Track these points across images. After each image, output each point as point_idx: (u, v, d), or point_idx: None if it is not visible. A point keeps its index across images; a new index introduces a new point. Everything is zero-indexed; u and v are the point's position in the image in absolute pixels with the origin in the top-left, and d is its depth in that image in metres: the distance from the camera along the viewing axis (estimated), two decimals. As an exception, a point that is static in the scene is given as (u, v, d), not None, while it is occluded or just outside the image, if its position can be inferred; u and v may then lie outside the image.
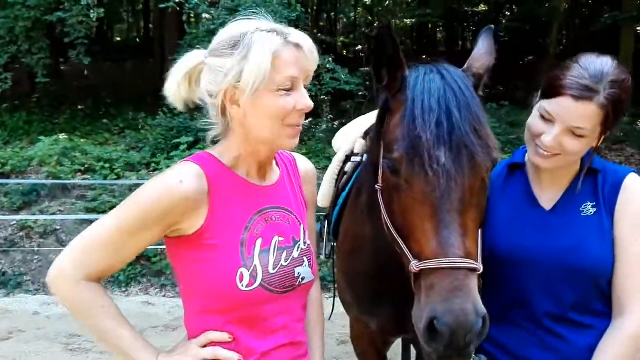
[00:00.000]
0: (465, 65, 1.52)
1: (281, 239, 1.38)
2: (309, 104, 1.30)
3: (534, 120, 1.48)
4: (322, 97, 9.95)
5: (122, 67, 18.35)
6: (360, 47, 16.27)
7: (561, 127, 1.39)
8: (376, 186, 1.48)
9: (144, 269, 6.52)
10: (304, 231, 1.46)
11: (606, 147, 10.09)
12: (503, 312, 1.54)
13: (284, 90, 1.26)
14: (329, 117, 10.63)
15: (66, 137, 9.65)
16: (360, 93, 10.58)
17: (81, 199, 7.71)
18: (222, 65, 1.25)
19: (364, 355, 2.34)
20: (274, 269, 1.33)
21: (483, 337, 1.17)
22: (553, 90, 1.41)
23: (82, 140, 9.60)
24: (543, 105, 1.44)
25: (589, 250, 1.45)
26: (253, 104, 1.26)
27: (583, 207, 1.51)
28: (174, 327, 4.88)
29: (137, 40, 26.23)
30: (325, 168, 8.80)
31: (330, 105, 10.69)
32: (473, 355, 1.22)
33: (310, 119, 10.63)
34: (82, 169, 8.37)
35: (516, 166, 1.65)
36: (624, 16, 11.31)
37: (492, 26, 1.63)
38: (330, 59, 10.17)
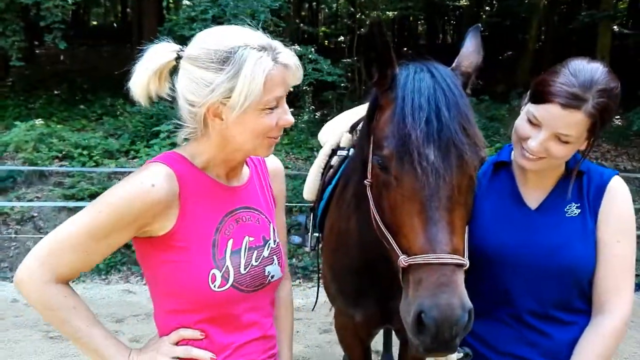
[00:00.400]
0: (454, 64, 1.54)
1: (251, 238, 1.39)
2: (290, 120, 1.31)
3: (521, 123, 1.49)
4: (304, 87, 9.93)
5: (99, 51, 17.96)
6: (342, 38, 16.23)
7: (547, 133, 1.41)
8: (365, 181, 1.50)
9: (124, 257, 6.46)
10: (274, 230, 1.48)
11: (581, 143, 10.30)
12: (487, 308, 1.57)
13: (269, 109, 1.26)
14: (311, 108, 10.62)
15: (42, 122, 9.43)
16: (342, 84, 10.59)
17: (59, 185, 7.57)
18: (209, 79, 1.21)
19: (348, 346, 2.38)
20: (245, 269, 1.35)
21: (468, 330, 1.21)
22: (541, 96, 1.41)
23: (58, 126, 9.37)
24: (531, 109, 1.45)
25: (572, 250, 1.49)
26: (237, 121, 1.25)
27: (568, 208, 1.54)
28: (154, 316, 4.89)
29: (114, 24, 25.68)
30: (307, 158, 8.86)
31: (312, 96, 10.68)
32: (458, 348, 1.26)
33: (292, 110, 10.59)
34: (60, 155, 8.20)
35: (502, 164, 1.67)
36: (600, 14, 11.54)
37: (479, 25, 1.65)
38: (313, 49, 10.14)
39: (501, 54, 16.49)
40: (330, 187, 2.38)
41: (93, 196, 7.35)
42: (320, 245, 2.63)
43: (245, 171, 1.48)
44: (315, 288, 3.11)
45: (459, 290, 1.21)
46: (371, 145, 1.47)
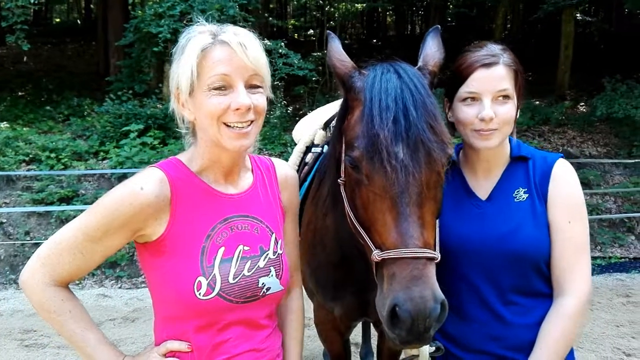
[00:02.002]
0: (420, 63, 1.58)
1: (246, 248, 1.37)
2: (243, 102, 1.25)
3: (461, 114, 1.58)
4: (275, 82, 9.90)
5: (63, 50, 17.55)
6: (311, 31, 16.20)
7: (489, 96, 1.54)
8: (339, 180, 1.54)
9: (97, 261, 6.36)
10: (276, 240, 1.45)
11: (549, 130, 10.56)
12: (455, 305, 1.58)
13: (215, 89, 1.25)
14: (283, 103, 10.59)
15: (8, 125, 9.18)
16: (314, 78, 10.59)
17: (27, 190, 7.39)
18: (171, 70, 1.31)
19: (327, 339, 2.42)
20: (234, 279, 1.33)
21: (442, 321, 1.26)
22: (464, 73, 1.57)
23: (25, 129, 9.14)
24: (462, 92, 1.57)
25: (523, 235, 1.54)
26: (194, 105, 1.29)
27: (516, 193, 1.60)
28: (132, 318, 4.81)
29: (78, 21, 25.06)
30: (280, 154, 8.85)
31: (284, 90, 10.66)
32: (431, 342, 1.31)
33: (263, 105, 10.55)
34: (27, 159, 8.02)
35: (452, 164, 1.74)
36: (564, 3, 11.77)
37: (438, 27, 1.72)
38: (283, 43, 10.10)
39: (468, 43, 16.72)
40: (305, 184, 2.41)
41: (63, 200, 7.22)
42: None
43: (248, 178, 1.47)
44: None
45: (431, 282, 1.25)
46: (343, 146, 1.51)
